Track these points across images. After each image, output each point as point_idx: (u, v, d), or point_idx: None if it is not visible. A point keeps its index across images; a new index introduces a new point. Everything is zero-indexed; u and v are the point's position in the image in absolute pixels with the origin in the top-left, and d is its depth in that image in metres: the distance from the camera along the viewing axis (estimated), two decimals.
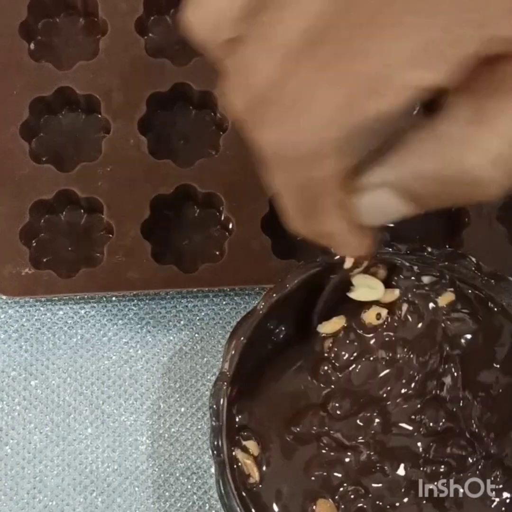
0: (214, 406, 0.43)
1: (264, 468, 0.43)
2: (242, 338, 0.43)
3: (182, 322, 0.52)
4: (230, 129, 0.51)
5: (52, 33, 0.54)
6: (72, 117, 0.54)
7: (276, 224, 0.51)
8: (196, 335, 0.52)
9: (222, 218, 0.51)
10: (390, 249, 0.44)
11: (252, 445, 0.43)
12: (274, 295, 0.44)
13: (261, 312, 0.44)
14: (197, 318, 0.52)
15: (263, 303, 0.44)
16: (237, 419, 0.44)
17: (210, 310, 0.52)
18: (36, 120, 0.52)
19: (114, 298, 0.52)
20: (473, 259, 0.44)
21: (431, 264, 0.44)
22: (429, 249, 0.44)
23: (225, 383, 0.43)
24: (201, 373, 0.51)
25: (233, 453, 0.43)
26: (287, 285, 0.44)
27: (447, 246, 0.49)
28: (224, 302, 0.52)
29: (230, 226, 0.51)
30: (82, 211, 0.52)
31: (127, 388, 0.51)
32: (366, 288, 0.44)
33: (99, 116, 0.52)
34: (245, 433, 0.44)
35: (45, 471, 0.49)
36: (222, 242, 0.51)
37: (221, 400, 0.43)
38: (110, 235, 0.50)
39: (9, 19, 0.52)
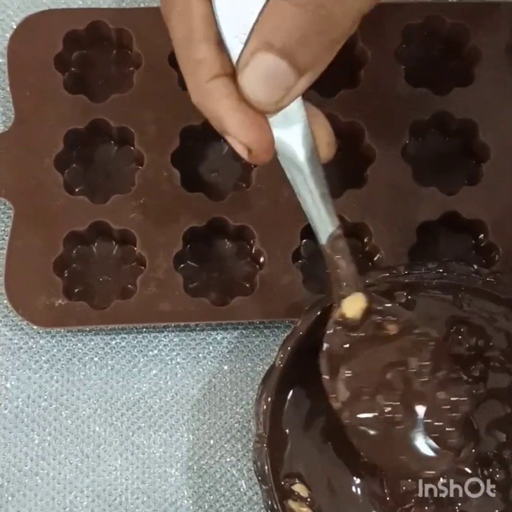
0: (260, 472, 0.43)
1: (316, 506, 0.44)
2: (268, 399, 0.44)
3: (211, 354, 0.52)
4: None
5: (86, 65, 0.55)
6: (105, 149, 0.54)
7: (307, 258, 0.52)
8: (225, 367, 0.52)
9: (253, 251, 0.52)
10: (387, 274, 0.46)
11: (300, 488, 0.44)
12: (289, 348, 0.45)
13: (280, 365, 0.44)
14: (227, 350, 0.52)
15: (281, 356, 0.45)
16: (281, 473, 0.45)
17: (239, 342, 0.52)
18: (70, 152, 0.53)
19: (144, 329, 0.52)
20: (475, 266, 0.46)
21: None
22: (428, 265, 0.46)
23: (264, 445, 0.44)
24: (230, 406, 0.51)
25: (287, 507, 0.44)
26: (300, 333, 0.45)
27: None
28: (253, 335, 0.52)
29: (261, 259, 0.51)
30: (114, 242, 0.52)
31: (157, 419, 0.51)
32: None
33: (132, 148, 0.53)
34: (290, 480, 0.44)
35: (75, 502, 0.49)
36: (253, 275, 0.51)
37: (265, 465, 0.43)
38: (142, 267, 0.51)
39: (44, 52, 0.53)
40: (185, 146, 0.53)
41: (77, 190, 0.53)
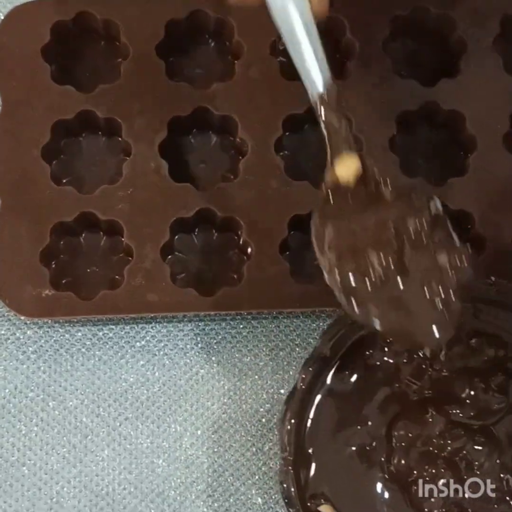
0: (286, 495, 0.44)
1: None
2: (292, 420, 0.45)
3: (199, 345, 0.52)
4: (250, 154, 0.52)
5: (73, 56, 0.55)
6: (93, 140, 0.54)
7: (295, 249, 0.52)
8: (213, 358, 0.52)
9: (241, 242, 0.52)
10: None
11: (326, 509, 0.45)
12: (310, 368, 0.45)
13: (302, 387, 0.45)
14: (214, 341, 0.52)
15: (302, 377, 0.45)
16: (307, 494, 0.45)
17: (227, 333, 0.52)
18: (57, 143, 0.53)
19: (132, 320, 0.52)
20: (492, 278, 0.46)
21: None
22: None
23: (290, 468, 0.44)
24: (217, 396, 0.51)
25: None
26: (320, 353, 0.45)
27: None
28: (241, 326, 0.52)
29: (249, 250, 0.51)
30: (101, 233, 0.52)
31: (144, 410, 0.51)
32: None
33: (120, 139, 0.53)
34: (316, 500, 0.45)
35: (61, 492, 0.49)
36: (241, 266, 0.51)
37: (292, 487, 0.44)
38: (130, 258, 0.51)
39: (32, 43, 0.53)
40: (173, 137, 0.52)
41: (64, 181, 0.53)
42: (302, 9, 0.39)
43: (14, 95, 0.52)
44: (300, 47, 0.40)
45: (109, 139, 0.54)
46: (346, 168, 0.42)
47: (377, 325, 0.40)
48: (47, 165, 0.51)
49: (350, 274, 0.40)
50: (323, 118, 0.41)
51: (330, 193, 0.42)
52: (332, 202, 0.42)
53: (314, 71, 0.40)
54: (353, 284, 0.40)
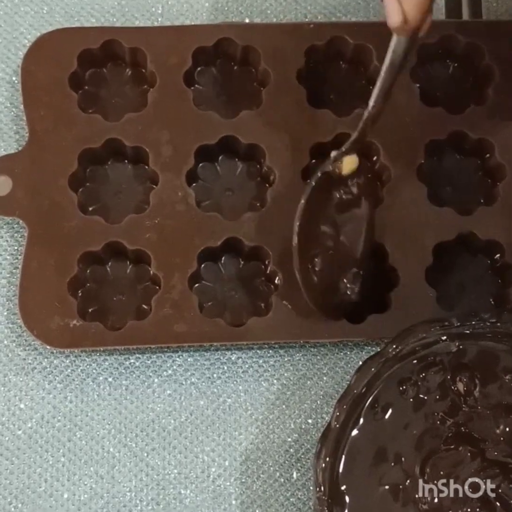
0: None
1: None
2: (327, 459, 0.45)
3: (226, 375, 0.52)
4: (277, 182, 0.52)
5: (100, 84, 0.55)
6: (119, 168, 0.54)
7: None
8: (240, 387, 0.52)
9: (268, 271, 0.51)
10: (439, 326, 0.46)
11: None
12: (345, 406, 0.45)
13: (336, 426, 0.45)
14: (241, 370, 0.52)
15: (337, 415, 0.45)
16: None
17: (254, 362, 0.52)
18: (84, 171, 0.53)
19: (158, 350, 0.52)
20: None
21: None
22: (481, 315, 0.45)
23: (325, 508, 0.44)
24: (245, 426, 0.51)
25: None
26: (354, 391, 0.45)
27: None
28: (268, 355, 0.52)
29: (276, 280, 0.51)
30: (128, 262, 0.52)
31: (171, 440, 0.51)
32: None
33: (146, 167, 0.53)
34: None
35: None
36: (268, 296, 0.51)
37: None
38: (157, 287, 0.50)
39: (59, 71, 0.53)
40: (200, 165, 0.53)
41: (90, 209, 0.53)
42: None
43: (41, 124, 0.52)
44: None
45: (136, 167, 0.54)
46: (351, 164, 0.48)
47: None
48: (74, 194, 0.51)
49: None
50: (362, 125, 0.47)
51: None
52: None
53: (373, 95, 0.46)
54: None
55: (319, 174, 0.48)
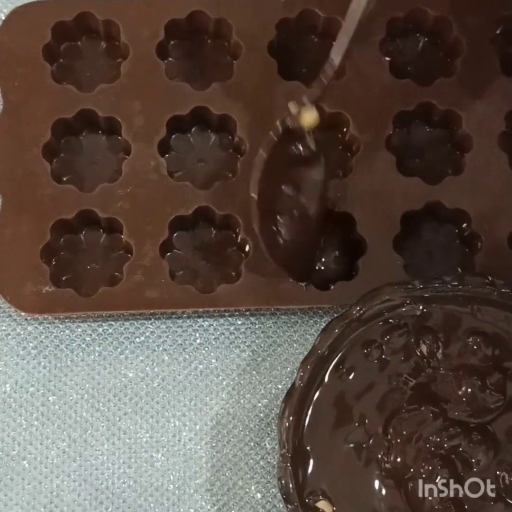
0: (285, 491, 0.45)
1: None
2: (290, 418, 0.45)
3: (198, 341, 0.53)
4: (248, 152, 0.52)
5: (74, 56, 0.56)
6: (93, 139, 0.55)
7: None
8: (212, 353, 0.52)
9: (239, 240, 0.52)
10: (403, 288, 0.47)
11: (324, 505, 0.45)
12: (309, 366, 0.46)
13: (300, 385, 0.46)
14: (213, 337, 0.53)
15: (301, 375, 0.46)
16: (306, 491, 0.45)
17: (225, 329, 0.53)
18: (58, 141, 0.53)
19: (131, 317, 0.53)
20: (489, 277, 0.47)
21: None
22: (444, 278, 0.46)
23: (288, 464, 0.45)
24: (216, 391, 0.52)
25: None
26: (319, 351, 0.46)
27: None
28: (239, 322, 0.53)
29: (247, 248, 0.52)
30: (101, 231, 0.53)
31: (143, 405, 0.51)
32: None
33: (119, 138, 0.53)
34: (314, 496, 0.45)
35: (61, 486, 0.50)
36: (239, 264, 0.52)
37: (290, 484, 0.45)
38: (129, 255, 0.51)
39: (33, 43, 0.53)
40: (172, 136, 0.53)
41: (65, 179, 0.53)
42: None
43: (15, 94, 0.53)
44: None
45: (109, 137, 0.54)
46: (310, 118, 0.48)
47: None
48: (48, 163, 0.52)
49: None
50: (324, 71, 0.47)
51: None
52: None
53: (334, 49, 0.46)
54: None
55: (279, 127, 0.47)
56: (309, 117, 0.47)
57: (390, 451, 0.45)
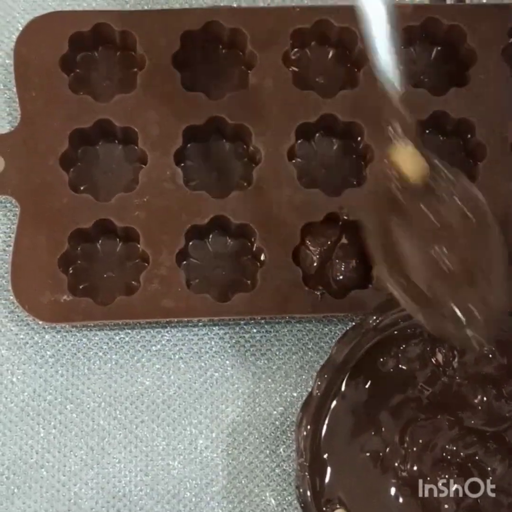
0: (303, 500, 0.45)
1: None
2: (308, 427, 0.46)
3: (213, 349, 0.53)
4: (263, 162, 0.53)
5: (91, 66, 0.56)
6: (109, 148, 0.55)
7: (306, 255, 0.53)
8: (227, 361, 0.53)
9: (254, 248, 0.53)
10: None
11: None
12: (326, 376, 0.46)
13: (318, 394, 0.46)
14: (228, 345, 0.53)
15: (318, 384, 0.46)
16: (323, 499, 0.46)
17: (241, 337, 0.53)
18: (75, 151, 0.54)
19: (147, 325, 0.53)
20: None
21: None
22: None
23: (306, 473, 0.45)
24: (232, 399, 0.52)
25: None
26: (336, 361, 0.47)
27: None
28: (254, 330, 0.53)
29: (262, 256, 0.52)
30: (117, 240, 0.53)
31: (159, 413, 0.52)
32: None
33: (136, 147, 0.54)
34: (331, 505, 0.46)
35: (79, 494, 0.50)
36: (254, 272, 0.52)
37: (308, 492, 0.45)
38: (145, 264, 0.52)
39: (50, 53, 0.54)
40: (188, 145, 0.54)
41: (82, 188, 0.54)
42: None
43: (33, 104, 0.53)
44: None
45: (126, 147, 0.55)
46: (414, 165, 0.42)
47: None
48: (65, 173, 0.53)
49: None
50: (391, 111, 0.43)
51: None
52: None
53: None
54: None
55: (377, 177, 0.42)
56: (414, 166, 0.42)
57: (406, 459, 0.45)
